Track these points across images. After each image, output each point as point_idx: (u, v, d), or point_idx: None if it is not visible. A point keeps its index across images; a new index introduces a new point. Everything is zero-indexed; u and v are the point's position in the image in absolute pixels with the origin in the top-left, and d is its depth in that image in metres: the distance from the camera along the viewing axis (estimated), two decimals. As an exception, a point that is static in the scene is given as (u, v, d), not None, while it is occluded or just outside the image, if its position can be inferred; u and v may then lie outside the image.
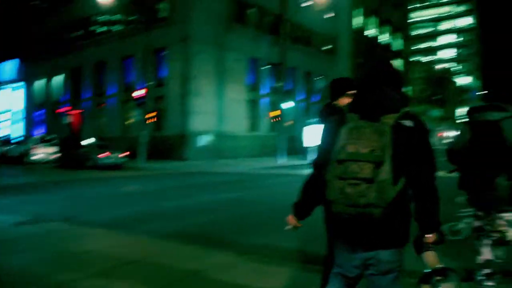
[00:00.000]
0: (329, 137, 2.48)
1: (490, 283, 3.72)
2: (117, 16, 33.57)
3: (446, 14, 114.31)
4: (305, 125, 29.47)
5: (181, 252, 6.05)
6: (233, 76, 30.56)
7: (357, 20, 50.17)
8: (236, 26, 31.21)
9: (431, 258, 2.43)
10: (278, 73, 29.27)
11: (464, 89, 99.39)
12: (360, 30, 50.68)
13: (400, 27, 61.93)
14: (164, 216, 8.96)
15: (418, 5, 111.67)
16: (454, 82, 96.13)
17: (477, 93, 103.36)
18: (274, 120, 29.24)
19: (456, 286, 2.47)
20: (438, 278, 2.43)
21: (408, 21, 69.19)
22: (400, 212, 2.36)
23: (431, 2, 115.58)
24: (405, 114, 2.37)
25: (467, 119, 4.01)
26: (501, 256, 3.80)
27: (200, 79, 28.30)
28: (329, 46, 43.11)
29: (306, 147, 28.62)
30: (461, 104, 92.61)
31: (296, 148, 32.98)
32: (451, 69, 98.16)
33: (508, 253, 3.86)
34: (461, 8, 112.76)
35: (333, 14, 42.60)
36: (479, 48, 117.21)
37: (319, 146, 2.65)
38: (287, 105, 27.58)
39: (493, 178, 3.66)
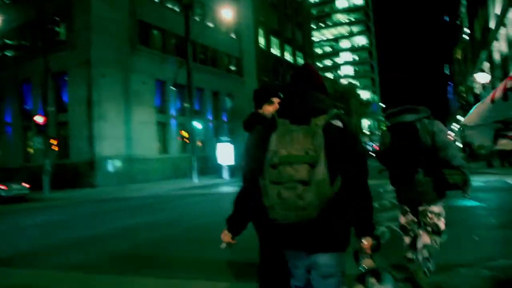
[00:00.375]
0: (259, 144, 2.43)
1: (429, 265, 4.08)
2: (13, 41, 31.83)
3: (345, 34, 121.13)
4: (217, 143, 29.73)
5: (106, 281, 5.69)
6: (140, 98, 30.06)
7: (262, 40, 51.63)
8: (141, 48, 30.87)
9: (368, 263, 2.44)
10: (186, 94, 29.25)
11: (365, 102, 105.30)
12: (265, 49, 52.17)
13: (303, 46, 64.57)
14: (76, 246, 8.31)
15: (321, 25, 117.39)
16: (358, 95, 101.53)
17: (377, 105, 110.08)
18: (185, 141, 29.08)
19: (392, 285, 2.49)
20: (373, 279, 2.44)
21: (311, 38, 72.39)
22: (339, 214, 2.34)
23: (332, 23, 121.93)
24: (334, 115, 2.40)
25: (387, 123, 4.42)
26: (437, 243, 4.12)
27: (105, 103, 27.49)
28: (235, 66, 43.93)
29: (220, 165, 28.84)
30: (364, 116, 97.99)
31: (208, 168, 32.99)
32: (354, 84, 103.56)
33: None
34: (358, 28, 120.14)
35: (237, 35, 43.60)
36: (376, 65, 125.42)
37: (247, 156, 2.62)
38: (197, 125, 27.63)
39: (413, 175, 4.02)
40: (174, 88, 28.11)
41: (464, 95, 74.47)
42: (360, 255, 2.47)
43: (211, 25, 38.66)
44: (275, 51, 55.55)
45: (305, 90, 2.54)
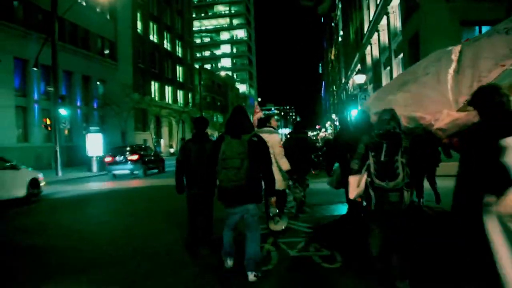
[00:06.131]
0: (216, 148, 4.95)
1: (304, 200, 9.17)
2: None
3: (225, 26, 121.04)
4: (87, 133, 27.19)
5: None
6: (-4, 78, 26.32)
7: (139, 25, 49.12)
8: (-1, 22, 27.03)
9: (273, 209, 6.39)
10: (52, 76, 26.17)
11: (242, 96, 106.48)
12: (142, 35, 49.70)
13: (182, 34, 62.96)
14: None
15: (202, 15, 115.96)
16: (237, 89, 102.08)
17: (254, 99, 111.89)
18: (49, 128, 26.09)
19: (286, 221, 7.20)
20: (277, 218, 6.85)
21: (192, 27, 70.90)
22: (256, 185, 4.95)
23: (212, 13, 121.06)
24: (253, 134, 4.95)
25: (291, 136, 9.34)
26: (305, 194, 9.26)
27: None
28: (109, 50, 41.08)
29: (91, 157, 26.32)
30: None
31: (76, 159, 30.27)
32: (232, 76, 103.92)
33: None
34: (238, 21, 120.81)
35: (112, 17, 40.86)
36: (254, 59, 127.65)
37: (213, 152, 5.02)
38: (62, 112, 24.87)
39: (302, 160, 8.61)
40: (35, 69, 24.91)
41: (335, 94, 78.69)
42: (270, 206, 6.37)
43: (83, 3, 35.51)
44: (153, 37, 53.26)
45: (240, 120, 5.04)
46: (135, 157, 22.07)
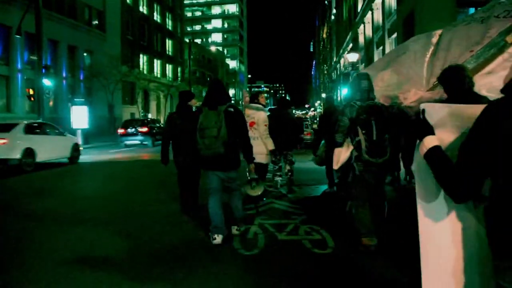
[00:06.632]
0: (196, 120, 5.31)
1: (292, 178, 9.08)
2: None
3: (217, 0, 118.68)
4: (72, 105, 26.58)
5: None
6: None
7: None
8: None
9: (251, 175, 6.31)
10: (36, 45, 25.32)
11: (232, 72, 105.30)
12: (131, 5, 48.50)
13: (173, 7, 61.69)
14: None
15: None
16: (227, 65, 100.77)
17: (244, 75, 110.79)
18: (32, 99, 25.35)
19: (263, 187, 6.81)
20: (254, 183, 6.49)
21: (184, 1, 69.50)
22: (233, 152, 5.34)
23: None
24: (229, 105, 5.35)
25: (271, 112, 9.07)
26: (289, 169, 9.03)
27: None
28: (97, 20, 40.03)
29: (76, 129, 25.78)
30: (231, 85, 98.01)
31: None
32: (223, 52, 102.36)
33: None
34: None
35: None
36: (245, 35, 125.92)
37: (194, 125, 5.39)
38: (46, 82, 24.12)
39: (283, 136, 8.49)
40: (18, 36, 24.06)
41: (326, 73, 78.17)
42: (249, 172, 6.29)
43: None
44: (142, 8, 52.05)
45: (216, 92, 5.49)
46: (145, 129, 25.50)
